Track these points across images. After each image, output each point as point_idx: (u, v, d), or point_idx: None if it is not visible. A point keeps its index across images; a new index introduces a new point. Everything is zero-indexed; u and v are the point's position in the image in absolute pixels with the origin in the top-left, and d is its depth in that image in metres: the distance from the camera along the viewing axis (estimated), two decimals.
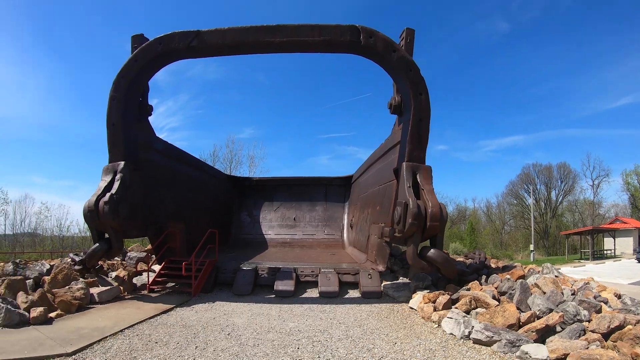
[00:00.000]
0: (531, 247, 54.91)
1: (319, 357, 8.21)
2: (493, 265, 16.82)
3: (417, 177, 13.04)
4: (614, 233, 57.03)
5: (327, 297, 14.09)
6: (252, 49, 13.71)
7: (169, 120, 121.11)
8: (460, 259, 19.52)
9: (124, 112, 14.13)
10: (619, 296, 12.90)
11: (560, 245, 62.74)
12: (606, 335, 8.63)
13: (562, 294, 11.33)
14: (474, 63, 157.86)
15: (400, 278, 15.52)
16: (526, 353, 7.84)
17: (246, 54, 14.40)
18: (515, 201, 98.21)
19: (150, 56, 13.70)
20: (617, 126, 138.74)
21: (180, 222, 18.45)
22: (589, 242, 50.24)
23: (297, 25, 12.88)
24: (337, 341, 9.25)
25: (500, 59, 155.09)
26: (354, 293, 14.62)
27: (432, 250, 12.64)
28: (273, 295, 14.44)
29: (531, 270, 14.72)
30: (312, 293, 14.72)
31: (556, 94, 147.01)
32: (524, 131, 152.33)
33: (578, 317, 9.28)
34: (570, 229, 73.24)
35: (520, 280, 11.72)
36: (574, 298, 10.69)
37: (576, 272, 29.33)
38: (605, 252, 56.17)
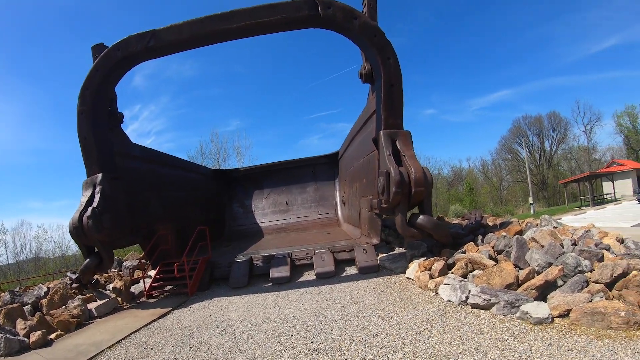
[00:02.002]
0: (530, 200, 54.80)
1: (312, 341, 7.95)
2: (490, 224, 16.39)
3: (397, 143, 12.69)
4: (611, 176, 56.83)
5: (324, 278, 13.78)
6: (211, 39, 13.27)
7: (154, 123, 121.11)
8: (456, 221, 19.23)
9: (94, 124, 13.69)
10: (621, 241, 12.58)
11: (560, 194, 62.71)
12: (610, 285, 8.24)
13: (562, 245, 10.98)
14: (454, 22, 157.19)
15: (396, 249, 15.16)
16: (526, 313, 7.50)
17: (208, 45, 13.91)
18: (509, 156, 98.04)
19: (110, 64, 13.27)
20: (604, 69, 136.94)
21: (170, 224, 18.15)
22: (588, 188, 50.11)
23: (253, 7, 12.40)
24: (332, 323, 8.99)
25: (479, 15, 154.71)
26: (351, 270, 14.34)
27: (420, 216, 12.25)
28: (270, 284, 14.14)
29: (529, 224, 14.41)
30: (309, 276, 14.42)
31: (539, 42, 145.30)
32: (511, 85, 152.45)
33: (579, 269, 8.89)
34: (567, 177, 72.91)
35: (517, 236, 11.28)
36: (574, 249, 10.27)
37: (577, 220, 29.03)
38: (605, 196, 55.90)
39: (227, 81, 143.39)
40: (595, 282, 8.31)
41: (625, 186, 57.58)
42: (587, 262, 9.14)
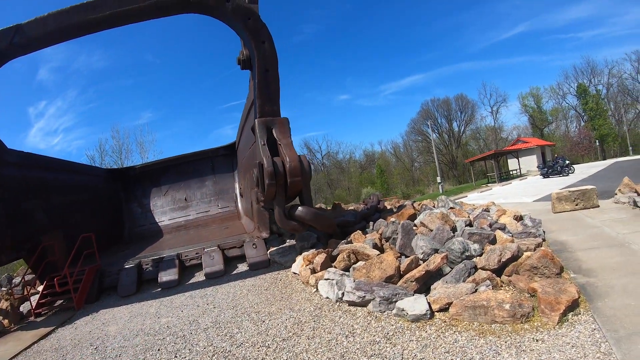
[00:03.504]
0: (438, 179, 55.56)
1: (175, 356, 7.15)
2: (388, 207, 15.88)
3: (274, 132, 12.03)
4: (517, 153, 58.40)
5: (213, 278, 12.92)
6: (81, 30, 12.05)
7: (61, 120, 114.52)
8: (352, 207, 18.76)
9: None
10: (520, 218, 12.36)
11: (469, 173, 64.31)
12: (499, 271, 7.74)
13: (455, 228, 10.53)
14: (369, 8, 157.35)
15: (288, 241, 14.48)
16: (402, 310, 6.83)
17: (78, 37, 12.76)
18: (419, 138, 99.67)
19: None
20: (512, 54, 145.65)
21: (58, 233, 16.86)
22: (494, 165, 51.28)
23: None
24: (202, 332, 8.21)
25: (394, 2, 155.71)
26: (243, 267, 13.53)
27: (299, 208, 11.61)
28: (159, 289, 13.13)
29: (424, 207, 13.99)
30: (200, 277, 13.48)
31: (452, 30, 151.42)
32: (423, 70, 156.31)
33: (467, 254, 8.33)
34: (476, 155, 74.97)
35: (403, 221, 10.59)
36: (463, 232, 9.66)
37: (483, 196, 29.26)
38: (511, 172, 57.27)
39: (138, 71, 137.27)
40: (483, 268, 7.75)
41: (530, 162, 59.58)
42: (476, 246, 8.59)
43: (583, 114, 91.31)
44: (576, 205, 14.70)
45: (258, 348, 6.82)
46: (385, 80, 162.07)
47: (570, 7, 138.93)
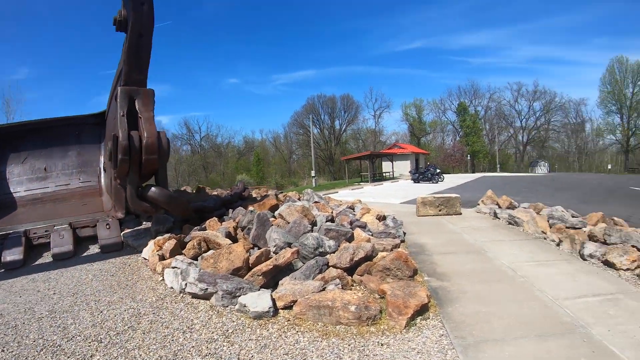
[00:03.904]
0: (312, 173, 55.88)
1: (2, 351, 6.16)
2: (255, 196, 15.46)
3: (136, 103, 11.12)
4: (392, 157, 60.22)
5: (61, 260, 11.63)
6: None
7: None
8: (215, 192, 18.18)
9: None
10: (382, 218, 12.36)
11: (345, 170, 65.64)
12: (351, 270, 7.51)
13: (315, 222, 10.28)
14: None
15: (144, 223, 13.65)
16: (244, 306, 6.39)
17: None
18: (301, 131, 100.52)
19: None
20: (404, 66, 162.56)
21: None
22: (369, 165, 52.53)
23: None
24: (36, 321, 7.19)
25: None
26: (95, 249, 12.40)
27: (152, 188, 10.74)
28: (2, 270, 11.63)
29: (288, 198, 13.77)
30: (49, 257, 12.12)
31: (353, 34, 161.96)
32: (316, 66, 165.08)
33: (321, 250, 8.04)
34: (353, 154, 76.59)
35: (260, 211, 10.38)
36: (320, 228, 9.51)
37: (353, 194, 29.60)
38: (384, 174, 59.22)
39: (20, 17, 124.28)
40: (334, 266, 7.48)
41: (404, 167, 61.70)
42: (331, 243, 8.35)
43: (460, 129, 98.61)
44: (440, 210, 15.06)
45: (89, 342, 6.10)
46: (277, 70, 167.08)
47: (468, 34, 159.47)
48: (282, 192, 16.35)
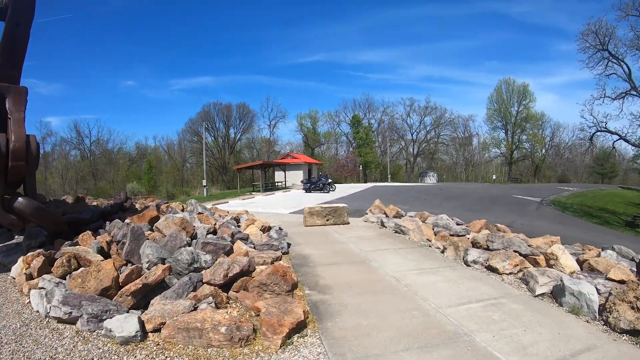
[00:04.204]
0: (204, 182, 54.78)
1: None
2: (138, 206, 14.55)
3: (7, 102, 9.93)
4: (284, 167, 60.24)
5: None
6: None
7: None
8: (96, 203, 17.02)
9: None
10: (267, 229, 12.06)
11: (239, 179, 64.80)
12: (226, 286, 7.07)
13: (195, 235, 9.88)
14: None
15: (16, 237, 12.14)
16: (110, 330, 5.77)
17: None
18: (195, 138, 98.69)
19: None
20: (303, 78, 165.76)
21: None
22: (261, 175, 52.23)
23: None
24: None
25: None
26: None
27: (19, 199, 9.57)
28: None
29: (170, 209, 13.18)
30: None
31: (254, 42, 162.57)
32: (216, 73, 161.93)
33: (196, 266, 7.57)
34: (246, 163, 76.12)
35: (135, 224, 9.64)
36: (197, 242, 8.95)
37: (244, 204, 29.16)
38: (277, 184, 59.15)
39: None
40: (209, 283, 6.98)
41: (296, 177, 61.69)
42: (208, 257, 7.86)
43: (353, 141, 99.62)
44: (327, 220, 14.96)
45: None
46: (176, 75, 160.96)
47: (367, 51, 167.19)
48: (167, 203, 15.57)
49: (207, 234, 10.24)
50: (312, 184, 42.66)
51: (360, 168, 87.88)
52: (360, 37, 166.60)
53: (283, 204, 27.89)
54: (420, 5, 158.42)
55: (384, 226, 14.50)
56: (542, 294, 7.67)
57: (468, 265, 9.68)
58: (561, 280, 7.40)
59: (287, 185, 57.74)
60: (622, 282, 7.91)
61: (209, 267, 7.59)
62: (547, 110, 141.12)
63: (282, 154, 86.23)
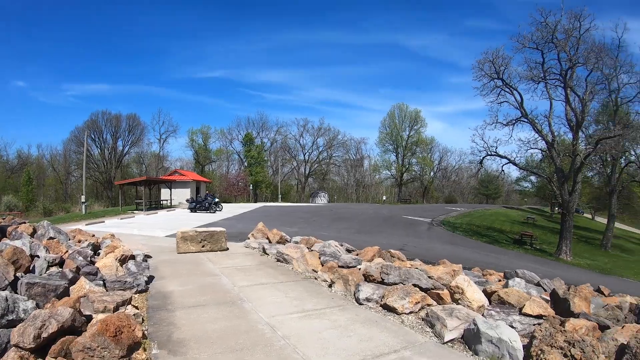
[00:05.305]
0: (82, 198, 51.13)
1: None
2: None
3: None
4: (170, 184, 57.92)
5: None
6: None
7: None
8: None
9: None
10: (130, 258, 10.41)
11: (123, 196, 61.48)
12: (42, 351, 5.06)
13: (32, 269, 8.13)
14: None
15: None
16: None
17: None
18: (80, 149, 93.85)
19: None
20: (201, 93, 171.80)
21: None
22: (143, 192, 49.69)
23: None
24: None
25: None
26: None
27: None
28: None
29: (15, 234, 11.21)
30: None
31: (155, 52, 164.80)
32: (111, 81, 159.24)
33: (12, 317, 5.60)
34: (129, 179, 73.11)
35: None
36: (22, 282, 6.72)
37: (121, 224, 27.05)
38: (162, 202, 56.72)
39: None
40: (17, 346, 4.95)
41: (183, 195, 59.58)
42: (29, 305, 5.94)
43: (245, 159, 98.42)
44: (202, 246, 13.57)
45: None
46: (70, 79, 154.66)
47: (267, 71, 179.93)
48: (24, 223, 13.50)
49: (50, 266, 8.52)
50: (197, 204, 41.03)
51: (251, 187, 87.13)
52: (261, 56, 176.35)
53: (163, 226, 25.90)
54: (323, 31, 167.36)
55: (266, 253, 13.31)
56: (452, 340, 6.65)
57: (360, 304, 8.45)
58: (474, 324, 6.42)
59: (172, 204, 55.33)
60: (539, 316, 7.50)
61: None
62: (436, 135, 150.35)
63: (171, 171, 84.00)
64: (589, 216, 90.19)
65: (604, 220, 57.43)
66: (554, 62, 34.09)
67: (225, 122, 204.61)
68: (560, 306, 8.43)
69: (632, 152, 44.25)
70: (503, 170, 39.53)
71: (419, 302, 7.94)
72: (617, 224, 53.23)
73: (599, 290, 13.30)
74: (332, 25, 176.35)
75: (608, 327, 7.55)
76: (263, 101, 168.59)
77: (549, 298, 9.18)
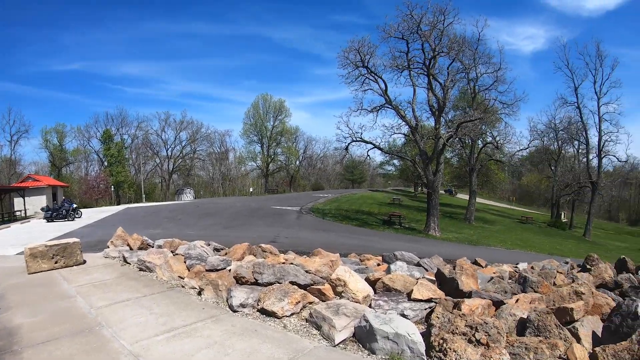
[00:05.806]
0: None
1: None
2: None
3: None
4: (23, 192, 53.41)
5: None
6: None
7: None
8: None
9: None
10: None
11: None
12: None
13: None
14: None
15: None
16: None
17: None
18: None
19: None
20: (57, 88, 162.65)
21: None
22: None
23: None
24: None
25: None
26: None
27: None
28: None
29: None
30: None
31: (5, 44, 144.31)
32: None
33: None
34: None
35: None
36: None
37: None
38: (15, 213, 52.26)
39: None
40: None
41: (39, 203, 55.28)
42: None
43: (104, 159, 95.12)
44: (56, 263, 12.10)
45: None
46: None
47: (128, 63, 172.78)
48: None
49: None
50: (54, 212, 37.90)
51: (113, 189, 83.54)
52: (121, 47, 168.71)
53: (14, 240, 23.39)
54: (185, 22, 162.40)
55: (127, 262, 12.19)
56: (344, 341, 6.13)
57: (235, 312, 7.59)
58: (366, 320, 5.99)
59: (27, 215, 51.03)
60: (429, 300, 7.49)
61: None
62: (301, 125, 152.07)
63: (24, 176, 78.34)
64: (458, 195, 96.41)
65: (466, 197, 61.51)
66: (418, 52, 36.44)
67: (83, 119, 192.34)
68: (449, 286, 8.28)
69: (489, 134, 48.80)
70: (369, 155, 41.34)
71: (299, 302, 7.39)
72: (477, 199, 56.89)
73: (476, 263, 13.67)
74: (197, 16, 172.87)
75: (501, 302, 7.47)
76: (123, 95, 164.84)
77: (434, 278, 9.06)
